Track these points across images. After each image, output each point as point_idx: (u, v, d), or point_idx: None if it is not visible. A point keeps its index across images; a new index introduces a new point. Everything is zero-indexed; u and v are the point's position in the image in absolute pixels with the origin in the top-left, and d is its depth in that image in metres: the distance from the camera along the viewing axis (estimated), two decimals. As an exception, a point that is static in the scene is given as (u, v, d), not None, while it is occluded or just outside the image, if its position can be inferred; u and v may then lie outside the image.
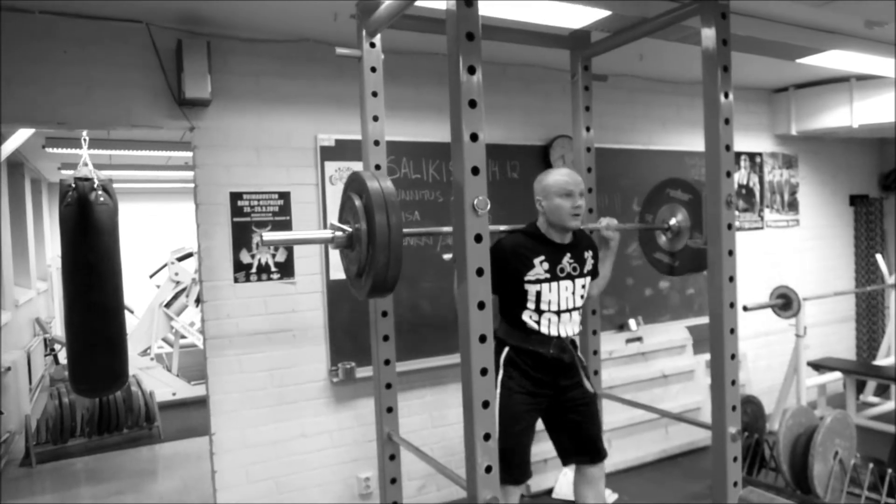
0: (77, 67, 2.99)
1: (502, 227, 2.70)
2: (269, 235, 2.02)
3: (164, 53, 3.13)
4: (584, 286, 2.78)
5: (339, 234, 2.07)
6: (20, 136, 4.58)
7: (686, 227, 2.77)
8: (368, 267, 1.96)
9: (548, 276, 2.65)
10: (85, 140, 3.67)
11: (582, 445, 2.76)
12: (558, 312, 2.69)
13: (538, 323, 2.68)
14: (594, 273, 2.85)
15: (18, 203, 6.93)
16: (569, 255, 2.71)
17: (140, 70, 3.11)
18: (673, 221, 2.83)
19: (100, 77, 3.03)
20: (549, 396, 2.71)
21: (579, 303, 2.76)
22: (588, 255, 2.79)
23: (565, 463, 2.86)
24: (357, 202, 2.01)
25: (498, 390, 2.54)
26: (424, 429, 3.81)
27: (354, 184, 2.09)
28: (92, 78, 3.02)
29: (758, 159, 5.32)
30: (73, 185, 3.36)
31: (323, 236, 2.10)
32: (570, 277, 2.71)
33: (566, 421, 2.74)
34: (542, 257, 2.65)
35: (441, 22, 1.83)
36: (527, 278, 2.64)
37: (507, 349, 2.64)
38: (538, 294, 2.66)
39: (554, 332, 2.69)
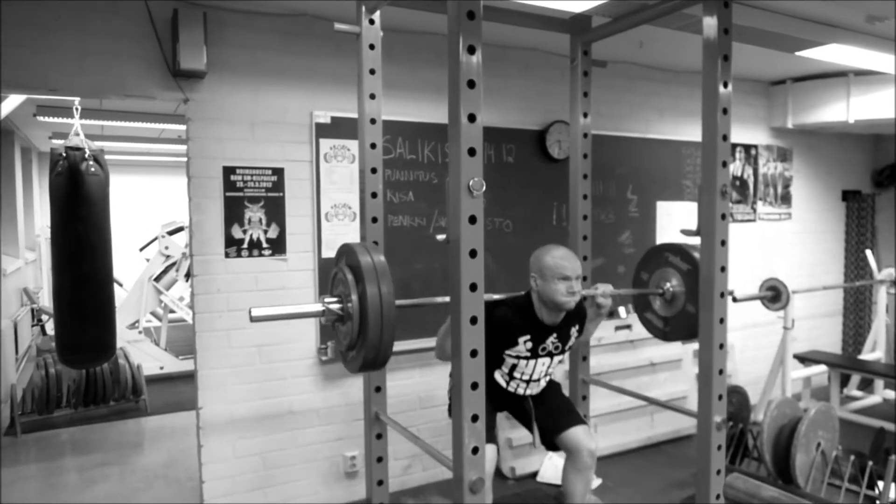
0: (71, 34, 2.94)
1: (496, 297, 2.66)
2: (258, 311, 1.89)
3: (159, 23, 3.08)
4: (561, 360, 2.82)
5: (330, 307, 2.02)
6: (11, 103, 4.52)
7: (681, 293, 2.75)
8: (360, 344, 1.94)
9: (528, 354, 2.69)
10: (77, 109, 3.62)
11: (555, 417, 2.80)
12: (528, 381, 2.76)
13: (507, 384, 2.76)
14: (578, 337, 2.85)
15: (8, 171, 6.86)
16: (555, 335, 2.72)
17: (135, 39, 3.06)
18: (668, 287, 2.79)
19: (93, 44, 2.98)
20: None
21: (552, 371, 2.82)
22: (574, 329, 2.79)
23: (549, 446, 2.86)
24: (349, 276, 1.96)
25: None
26: (412, 409, 3.83)
27: (346, 256, 2.03)
28: (85, 45, 2.97)
29: (753, 151, 5.32)
30: (64, 155, 3.33)
31: (314, 310, 2.06)
32: (550, 355, 2.75)
33: (535, 408, 2.82)
34: (528, 336, 2.66)
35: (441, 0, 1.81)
36: (507, 352, 2.68)
37: None
38: (514, 366, 2.72)
39: (521, 393, 2.78)
